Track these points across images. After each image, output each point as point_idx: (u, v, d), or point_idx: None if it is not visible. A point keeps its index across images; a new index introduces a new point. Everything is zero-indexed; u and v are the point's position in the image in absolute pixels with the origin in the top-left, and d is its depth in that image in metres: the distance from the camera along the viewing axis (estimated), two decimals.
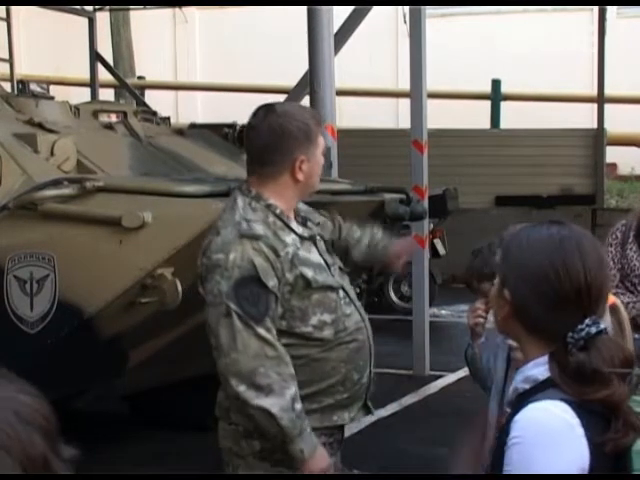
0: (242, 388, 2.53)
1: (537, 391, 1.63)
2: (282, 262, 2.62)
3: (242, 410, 2.60)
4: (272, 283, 2.59)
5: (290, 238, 2.67)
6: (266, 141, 2.69)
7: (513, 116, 13.61)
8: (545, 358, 1.66)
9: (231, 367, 2.54)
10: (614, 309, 1.74)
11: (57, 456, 0.91)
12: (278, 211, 2.69)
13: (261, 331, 2.55)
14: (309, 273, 2.67)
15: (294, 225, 2.72)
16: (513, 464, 1.58)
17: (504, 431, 1.67)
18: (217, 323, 2.57)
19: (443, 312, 10.12)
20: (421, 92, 7.29)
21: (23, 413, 0.90)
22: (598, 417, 1.58)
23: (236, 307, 2.54)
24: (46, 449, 0.90)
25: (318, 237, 2.84)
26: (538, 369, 1.66)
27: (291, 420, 2.55)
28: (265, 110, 2.72)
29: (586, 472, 1.54)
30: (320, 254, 2.77)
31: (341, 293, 2.77)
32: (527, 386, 1.67)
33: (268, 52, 16.99)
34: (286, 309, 2.65)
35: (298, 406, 2.59)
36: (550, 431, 1.56)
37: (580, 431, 1.55)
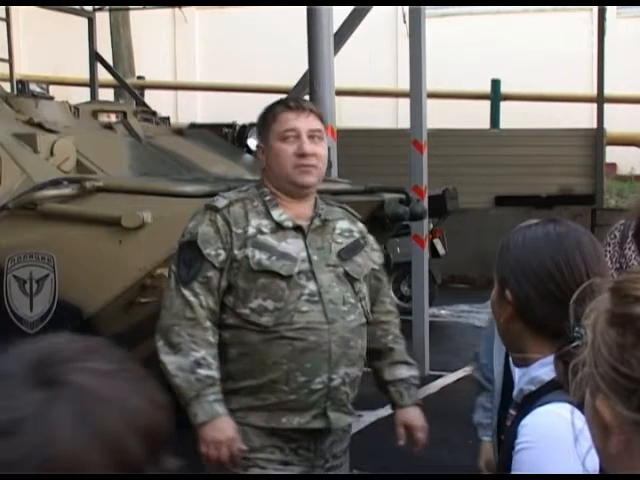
0: (160, 343, 2.67)
1: (543, 393, 1.61)
2: (233, 237, 2.66)
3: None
4: (211, 252, 2.66)
5: (258, 222, 2.70)
6: None
7: (513, 116, 13.61)
8: (550, 358, 1.65)
9: (158, 322, 2.70)
10: None
11: (156, 466, 0.90)
12: (267, 197, 2.74)
13: (186, 293, 2.65)
14: (257, 256, 2.66)
15: (276, 212, 2.72)
16: (521, 469, 1.56)
17: (510, 434, 1.66)
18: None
19: (443, 312, 10.12)
20: (421, 92, 7.30)
21: (129, 416, 0.88)
22: None
23: (175, 268, 2.70)
24: (142, 457, 0.88)
25: (329, 232, 2.79)
26: (544, 369, 1.64)
27: (186, 381, 2.59)
28: None
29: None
30: (306, 246, 2.72)
31: (307, 288, 2.68)
32: (533, 387, 1.66)
33: (268, 52, 16.98)
34: (232, 287, 2.68)
35: (203, 371, 2.60)
36: (558, 435, 1.53)
37: (589, 434, 1.54)
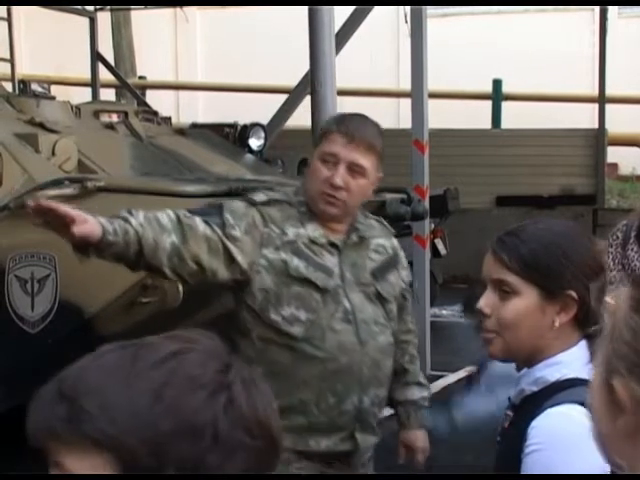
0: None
1: (549, 394, 1.59)
2: (265, 235, 2.56)
3: None
4: (230, 220, 2.52)
5: (295, 230, 2.60)
6: None
7: (514, 116, 13.60)
8: (555, 359, 1.64)
9: None
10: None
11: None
12: (303, 209, 2.63)
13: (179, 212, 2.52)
14: (295, 262, 2.56)
15: (310, 227, 2.61)
16: (533, 471, 1.54)
17: (510, 436, 1.64)
18: None
19: (444, 312, 10.11)
20: (422, 92, 7.29)
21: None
22: None
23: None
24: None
25: (364, 249, 2.70)
26: (549, 370, 1.63)
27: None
28: None
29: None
30: (339, 262, 2.62)
31: (341, 306, 2.59)
32: (535, 388, 1.64)
33: (269, 52, 16.98)
34: (261, 288, 2.57)
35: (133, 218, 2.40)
36: (571, 437, 1.52)
37: None
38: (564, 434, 1.54)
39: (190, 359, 0.98)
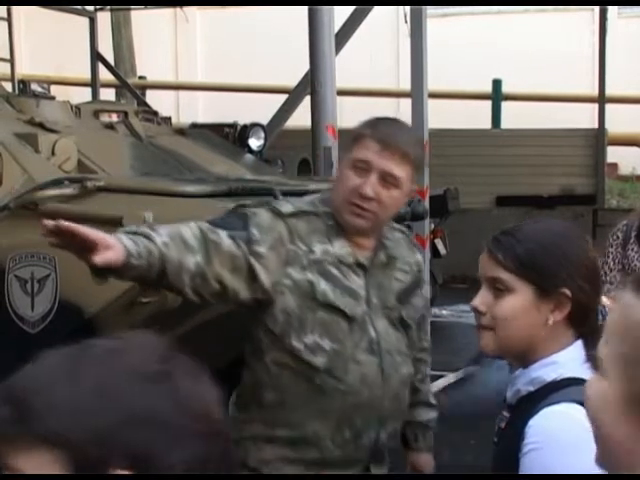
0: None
1: (545, 394, 1.60)
2: (290, 252, 2.34)
3: None
4: (257, 236, 2.31)
5: (323, 247, 2.38)
6: None
7: (514, 116, 13.60)
8: (551, 359, 1.65)
9: None
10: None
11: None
12: (330, 223, 2.41)
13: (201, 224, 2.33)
14: (322, 285, 2.35)
15: (337, 243, 2.40)
16: (532, 470, 1.54)
17: (507, 436, 1.65)
18: None
19: (444, 312, 10.11)
20: (422, 92, 7.29)
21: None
22: None
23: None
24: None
25: (391, 268, 2.50)
26: (544, 370, 1.64)
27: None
28: None
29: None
30: (366, 285, 2.42)
31: (367, 335, 2.40)
32: (532, 388, 1.64)
33: (269, 52, 16.98)
34: (283, 309, 2.37)
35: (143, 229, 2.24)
36: (569, 435, 1.52)
37: None
38: (562, 433, 1.54)
39: (130, 353, 1.02)
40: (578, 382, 1.59)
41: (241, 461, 2.44)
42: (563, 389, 1.59)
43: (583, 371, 1.61)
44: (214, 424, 1.01)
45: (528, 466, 1.55)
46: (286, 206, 2.41)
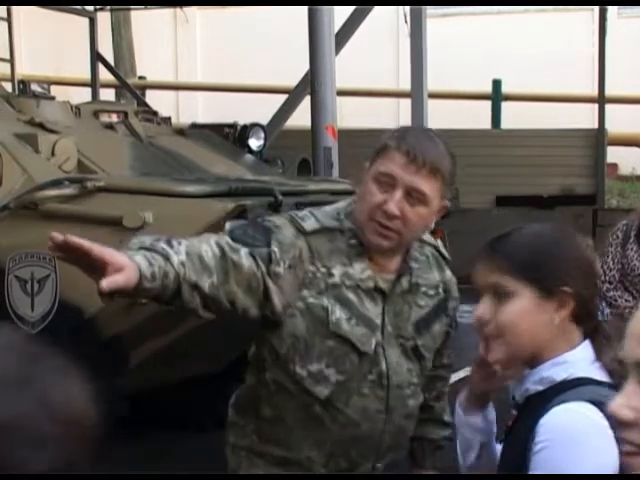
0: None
1: (556, 392, 1.59)
2: (307, 273, 2.19)
3: None
4: (278, 253, 2.15)
5: (342, 269, 2.21)
6: None
7: (514, 116, 13.61)
8: (562, 358, 1.64)
9: None
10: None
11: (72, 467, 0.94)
12: (352, 242, 2.23)
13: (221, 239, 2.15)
14: (337, 313, 2.19)
15: (358, 266, 2.22)
16: (544, 468, 1.53)
17: (514, 435, 1.64)
18: None
19: None
20: (422, 92, 7.30)
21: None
22: None
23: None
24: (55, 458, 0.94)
25: (412, 293, 2.30)
26: (555, 369, 1.63)
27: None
28: None
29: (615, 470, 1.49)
30: (383, 312, 2.25)
31: (376, 369, 2.24)
32: (541, 387, 1.64)
33: (269, 52, 16.99)
34: (292, 333, 2.22)
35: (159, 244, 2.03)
36: (581, 433, 1.53)
37: (610, 432, 1.49)
38: (572, 431, 1.53)
39: None
40: (588, 382, 1.60)
41: (233, 469, 2.39)
42: (574, 388, 1.59)
43: (593, 370, 1.63)
44: (78, 426, 0.97)
45: (539, 465, 1.55)
46: (309, 222, 2.23)
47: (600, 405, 1.53)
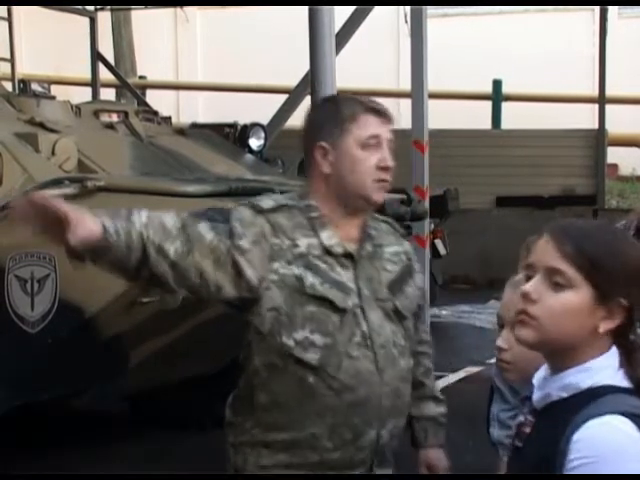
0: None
1: (584, 402, 1.54)
2: (274, 247, 2.26)
3: None
4: (239, 230, 2.24)
5: (307, 240, 2.30)
6: (302, 133, 2.50)
7: (514, 117, 13.60)
8: (588, 365, 1.58)
9: None
10: None
11: None
12: (315, 214, 2.33)
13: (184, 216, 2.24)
14: (310, 279, 2.27)
15: (325, 234, 2.31)
16: None
17: (535, 443, 1.58)
18: None
19: (444, 312, 10.11)
20: (422, 92, 7.28)
21: None
22: None
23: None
24: None
25: (380, 258, 2.40)
26: (580, 376, 1.58)
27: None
28: None
29: None
30: (356, 278, 2.33)
31: (359, 329, 2.30)
32: (565, 394, 1.58)
33: (269, 52, 16.99)
34: (271, 307, 2.26)
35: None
36: (619, 449, 1.48)
37: None
38: (612, 447, 1.48)
39: None
40: (615, 390, 1.55)
41: (240, 467, 2.39)
42: (601, 398, 1.54)
43: (618, 378, 1.57)
44: None
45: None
46: (266, 202, 2.34)
47: (633, 417, 1.50)
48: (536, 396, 1.64)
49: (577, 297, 1.57)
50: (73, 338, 4.43)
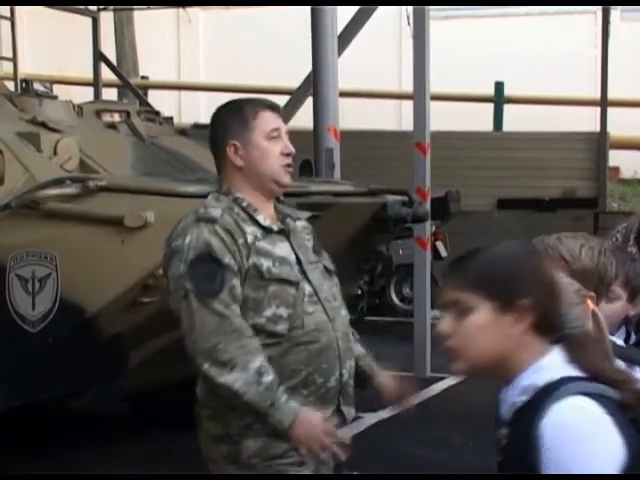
0: (206, 366, 2.52)
1: (546, 394, 1.61)
2: (239, 247, 2.57)
3: (213, 390, 2.63)
4: (228, 260, 2.55)
5: (251, 229, 2.62)
6: (209, 135, 2.78)
7: (516, 119, 13.62)
8: (541, 362, 1.66)
9: (194, 346, 2.53)
10: (594, 315, 1.78)
11: None
12: (245, 204, 2.65)
13: (217, 306, 2.52)
14: (265, 264, 2.60)
15: (260, 217, 2.65)
16: (555, 466, 1.56)
17: (513, 450, 1.63)
18: (178, 307, 2.59)
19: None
20: (424, 94, 7.29)
21: None
22: (614, 403, 1.59)
23: (192, 286, 2.54)
24: None
25: (300, 231, 2.78)
26: (535, 375, 1.65)
27: (258, 394, 2.48)
28: None
29: (624, 458, 1.54)
30: (293, 248, 2.70)
31: (306, 290, 2.66)
32: (526, 397, 1.65)
33: (271, 53, 17.00)
34: (242, 298, 2.59)
35: (266, 379, 2.49)
36: (587, 426, 1.56)
37: (610, 419, 1.56)
38: (578, 425, 1.56)
39: None
40: (573, 379, 1.63)
41: (233, 458, 2.71)
42: (561, 386, 1.61)
43: (572, 371, 1.65)
44: None
45: (551, 463, 1.56)
46: (213, 211, 2.62)
47: (593, 396, 1.58)
48: (503, 409, 1.72)
49: (480, 315, 1.69)
50: (74, 338, 4.43)
